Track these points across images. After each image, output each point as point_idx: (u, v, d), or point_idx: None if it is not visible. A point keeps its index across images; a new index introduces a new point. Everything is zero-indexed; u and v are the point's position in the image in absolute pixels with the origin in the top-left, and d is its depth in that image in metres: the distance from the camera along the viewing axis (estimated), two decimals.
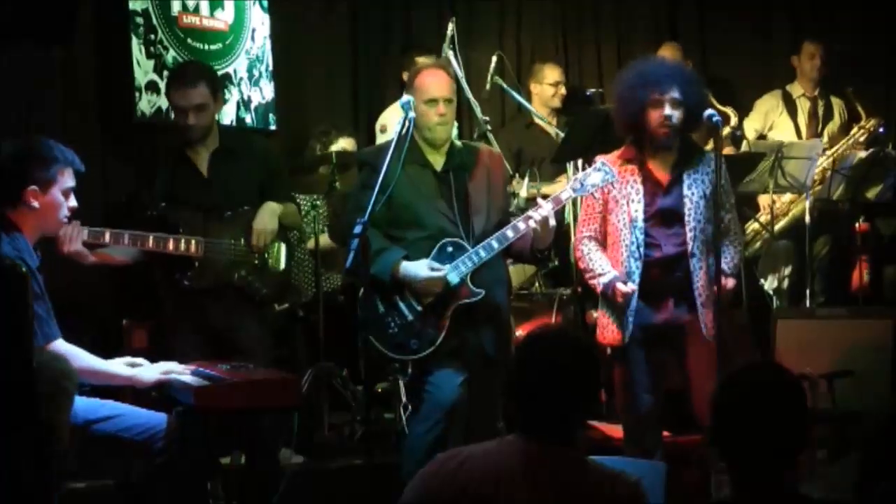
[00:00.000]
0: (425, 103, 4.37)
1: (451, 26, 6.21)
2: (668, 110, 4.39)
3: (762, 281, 6.87)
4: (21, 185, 3.78)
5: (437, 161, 4.45)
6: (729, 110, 7.03)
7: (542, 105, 7.00)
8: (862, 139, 6.96)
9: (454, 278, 4.31)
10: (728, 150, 6.64)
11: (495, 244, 4.31)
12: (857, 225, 6.88)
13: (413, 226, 4.38)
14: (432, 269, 4.29)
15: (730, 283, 4.54)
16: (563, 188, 4.48)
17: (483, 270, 4.36)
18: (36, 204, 3.79)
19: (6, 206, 3.79)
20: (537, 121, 6.91)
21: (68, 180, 3.87)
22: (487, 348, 4.40)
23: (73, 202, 3.91)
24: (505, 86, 6.57)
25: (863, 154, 6.62)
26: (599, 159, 4.47)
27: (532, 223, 4.26)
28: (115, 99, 5.80)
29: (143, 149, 5.71)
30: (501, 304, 4.52)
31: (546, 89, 7.02)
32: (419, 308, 4.34)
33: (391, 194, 4.25)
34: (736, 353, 4.56)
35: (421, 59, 6.46)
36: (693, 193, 4.48)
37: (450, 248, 4.35)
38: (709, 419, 2.58)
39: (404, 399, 4.99)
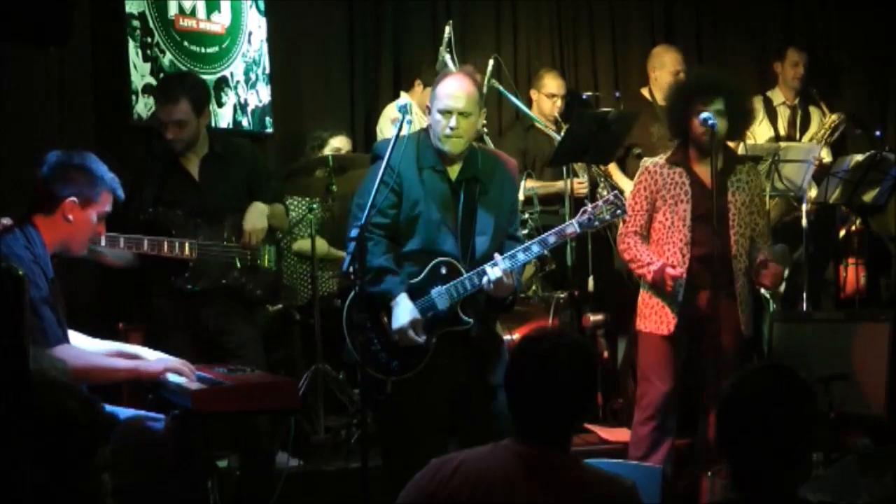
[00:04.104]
0: (439, 112, 4.14)
1: (447, 30, 6.20)
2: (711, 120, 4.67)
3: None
4: (62, 194, 3.69)
5: (454, 169, 4.24)
6: None
7: (539, 113, 6.95)
8: (827, 136, 7.01)
9: (442, 304, 4.14)
10: None
11: (476, 280, 4.14)
12: (852, 228, 6.89)
13: (416, 237, 4.18)
14: (413, 326, 4.07)
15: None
16: (569, 222, 4.33)
17: (478, 298, 4.19)
18: (71, 217, 3.70)
19: (39, 212, 3.70)
20: (536, 124, 6.90)
21: (107, 205, 3.79)
22: (475, 376, 4.23)
23: (102, 228, 3.84)
24: (502, 89, 6.56)
25: (859, 157, 6.62)
26: (615, 192, 4.56)
27: (485, 280, 4.11)
28: (112, 102, 5.80)
29: (139, 152, 5.70)
30: (495, 335, 4.39)
31: (543, 98, 6.96)
32: None
33: (405, 200, 4.12)
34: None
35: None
36: (737, 199, 4.86)
37: (443, 270, 4.15)
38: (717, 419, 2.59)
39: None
